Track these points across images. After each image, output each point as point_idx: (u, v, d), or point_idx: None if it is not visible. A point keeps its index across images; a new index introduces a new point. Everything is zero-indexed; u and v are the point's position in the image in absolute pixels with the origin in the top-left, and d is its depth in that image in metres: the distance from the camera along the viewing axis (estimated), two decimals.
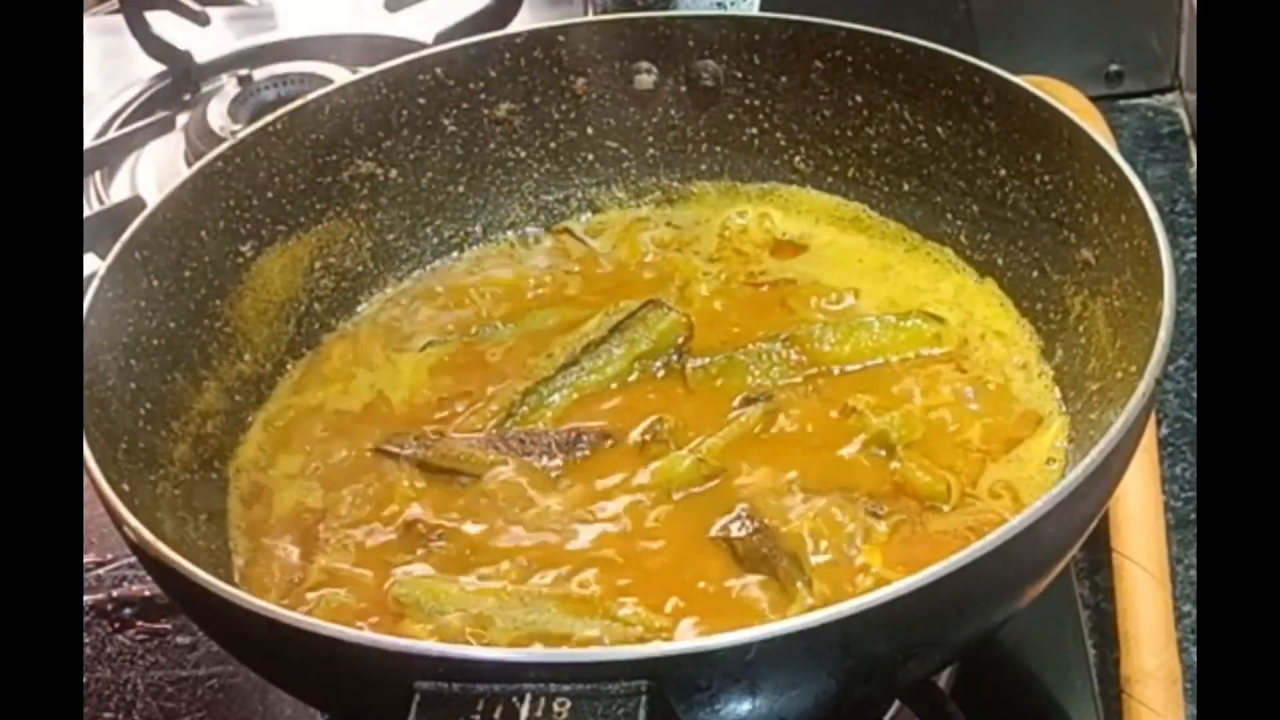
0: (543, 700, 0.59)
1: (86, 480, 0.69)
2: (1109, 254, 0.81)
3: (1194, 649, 0.94)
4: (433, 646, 0.64)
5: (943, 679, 0.80)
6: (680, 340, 0.87)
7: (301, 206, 0.91)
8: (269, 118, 0.90)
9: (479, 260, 0.97)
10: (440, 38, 1.20)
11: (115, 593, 0.91)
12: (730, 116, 0.97)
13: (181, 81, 1.30)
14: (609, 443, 0.82)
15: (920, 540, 0.76)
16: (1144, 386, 0.69)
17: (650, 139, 0.98)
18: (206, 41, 1.32)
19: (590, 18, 1.19)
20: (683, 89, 0.96)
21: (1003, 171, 0.88)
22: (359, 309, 0.94)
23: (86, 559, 0.92)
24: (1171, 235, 0.76)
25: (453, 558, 0.77)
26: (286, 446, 0.85)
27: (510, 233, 0.98)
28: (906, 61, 0.90)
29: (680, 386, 0.85)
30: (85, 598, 0.90)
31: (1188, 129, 1.31)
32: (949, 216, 0.92)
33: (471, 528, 0.78)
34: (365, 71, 0.94)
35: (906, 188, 0.93)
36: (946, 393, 0.84)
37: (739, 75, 0.95)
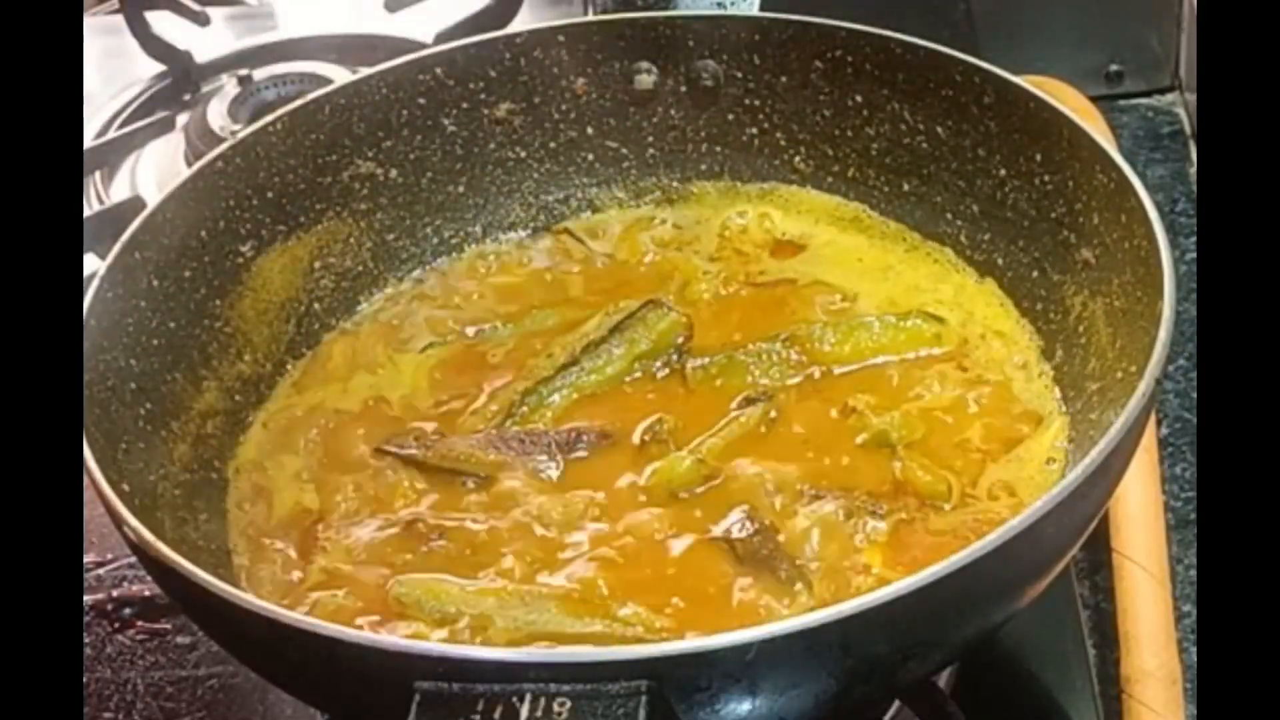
0: (543, 700, 0.59)
1: (86, 480, 0.69)
2: (1109, 254, 0.81)
3: (1194, 649, 0.94)
4: (433, 646, 0.64)
5: (943, 679, 0.80)
6: (680, 340, 0.87)
7: (301, 206, 0.91)
8: (269, 118, 0.90)
9: (479, 260, 0.97)
10: (440, 38, 1.20)
11: (115, 593, 0.91)
12: (730, 116, 0.97)
13: (181, 81, 1.30)
14: (609, 443, 0.82)
15: (920, 540, 0.76)
16: (1144, 386, 0.69)
17: (650, 139, 0.98)
18: (206, 41, 1.32)
19: (590, 18, 1.19)
20: (683, 89, 0.96)
21: (1003, 171, 0.88)
22: (359, 309, 0.94)
23: (86, 559, 0.92)
24: (1171, 235, 0.76)
25: (453, 558, 0.77)
26: (286, 446, 0.85)
27: (510, 233, 0.98)
28: (906, 61, 0.90)
29: (680, 386, 0.85)
30: (85, 598, 0.90)
31: (1188, 129, 1.31)
32: (949, 216, 0.92)
33: (472, 527, 0.78)
34: (365, 71, 0.94)
35: (906, 188, 0.93)
36: (946, 393, 0.84)
37: (739, 75, 0.95)
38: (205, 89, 1.28)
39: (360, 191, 0.94)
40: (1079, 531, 0.70)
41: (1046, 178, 0.85)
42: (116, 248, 0.81)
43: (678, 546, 0.76)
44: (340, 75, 1.19)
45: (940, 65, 0.89)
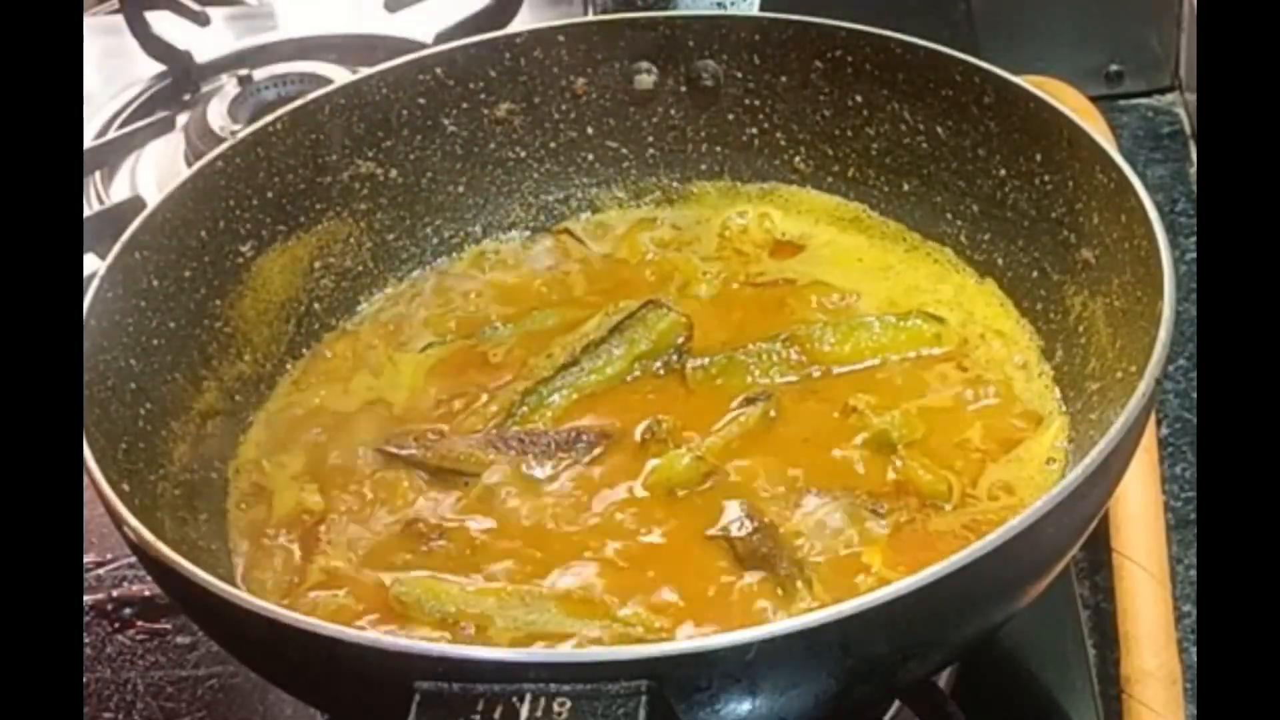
0: (543, 700, 0.59)
1: (86, 480, 0.69)
2: (1109, 254, 0.81)
3: (1194, 649, 0.94)
4: (433, 646, 0.64)
5: (943, 679, 0.80)
6: (680, 340, 0.87)
7: (301, 206, 0.91)
8: (269, 118, 0.90)
9: (479, 260, 0.97)
10: (440, 38, 1.20)
11: (115, 593, 0.91)
12: (730, 116, 0.97)
13: (181, 81, 1.30)
14: (609, 442, 0.82)
15: (920, 540, 0.76)
16: (1144, 386, 0.69)
17: (650, 139, 0.98)
18: (206, 41, 1.32)
19: (590, 18, 1.19)
20: (683, 89, 0.96)
21: (1003, 171, 0.88)
22: (359, 309, 0.94)
23: (86, 559, 0.92)
24: (1171, 235, 0.76)
25: (453, 558, 0.77)
26: (286, 447, 0.85)
27: (510, 233, 0.98)
28: (906, 61, 0.90)
29: (680, 386, 0.85)
30: (85, 598, 0.90)
31: (1188, 129, 1.31)
32: (949, 216, 0.92)
33: (472, 527, 0.78)
34: (365, 71, 0.94)
35: (906, 188, 0.93)
36: (946, 393, 0.84)
37: (739, 75, 0.95)
38: (205, 89, 1.28)
39: (360, 191, 0.94)
40: (1079, 531, 0.70)
41: (1046, 178, 0.85)
42: (116, 248, 0.81)
43: (677, 546, 0.76)
44: (340, 75, 1.19)
45: (940, 65, 0.89)
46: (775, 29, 0.93)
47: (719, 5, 1.14)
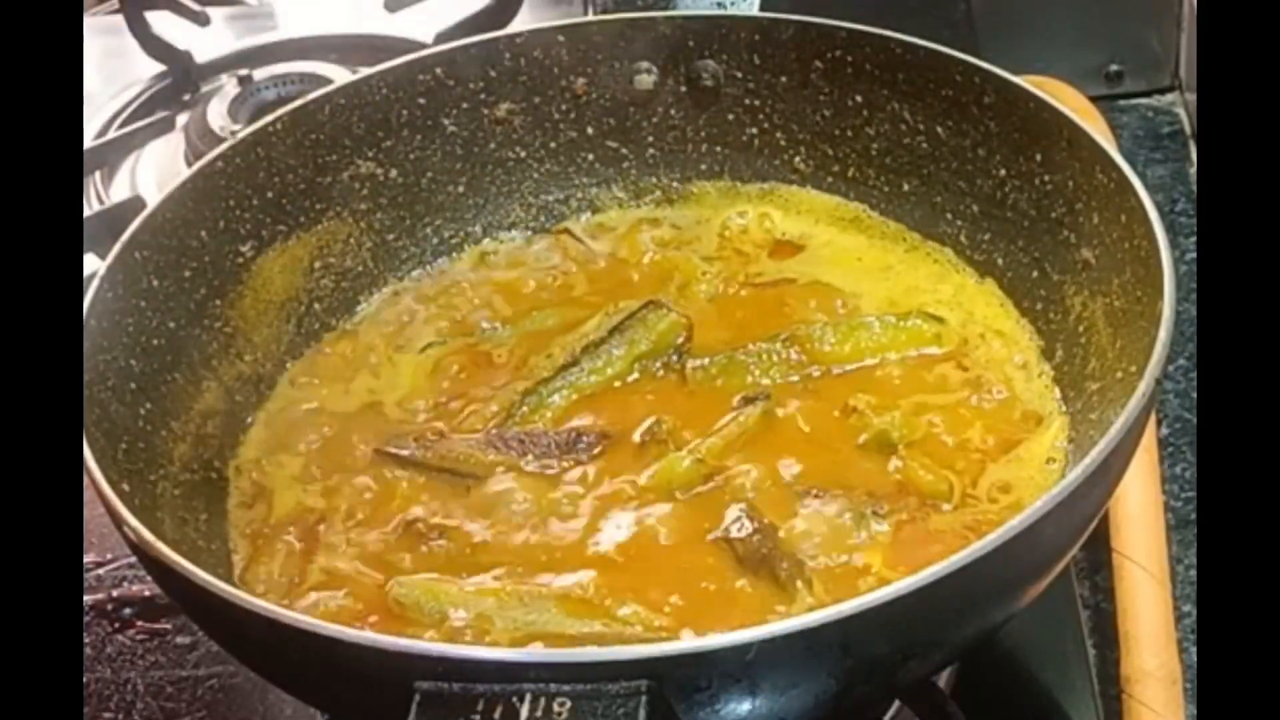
0: (543, 700, 0.59)
1: (86, 480, 0.69)
2: (1109, 254, 0.81)
3: (1194, 649, 0.94)
4: (433, 646, 0.64)
5: (943, 679, 0.80)
6: (680, 340, 0.87)
7: (301, 206, 0.91)
8: (269, 118, 0.90)
9: (479, 260, 0.97)
10: (440, 38, 1.20)
11: (115, 593, 0.91)
12: (730, 116, 0.97)
13: (181, 81, 1.30)
14: (609, 443, 0.82)
15: (920, 540, 0.76)
16: (1144, 386, 0.69)
17: (650, 139, 0.98)
18: (206, 41, 1.32)
19: (590, 18, 1.19)
20: (683, 89, 0.96)
21: (1003, 171, 0.88)
22: (359, 309, 0.94)
23: (86, 559, 0.92)
24: (1171, 235, 0.76)
25: (453, 558, 0.77)
26: (286, 446, 0.85)
27: (510, 233, 0.98)
28: (906, 61, 0.90)
29: (680, 386, 0.85)
30: (85, 598, 0.90)
31: (1188, 129, 1.31)
32: (949, 216, 0.92)
33: (471, 528, 0.78)
34: (365, 71, 0.94)
35: (906, 188, 0.93)
36: (947, 393, 0.84)
37: (739, 75, 0.95)
38: (205, 89, 1.29)
39: (360, 191, 0.94)
40: (1079, 531, 0.70)
41: (1046, 178, 0.85)
42: (116, 248, 0.81)
43: (677, 546, 0.76)
44: (340, 75, 1.19)
45: (940, 65, 0.89)
46: (775, 29, 0.93)
47: (719, 5, 1.14)
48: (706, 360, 0.86)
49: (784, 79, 0.94)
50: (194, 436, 0.83)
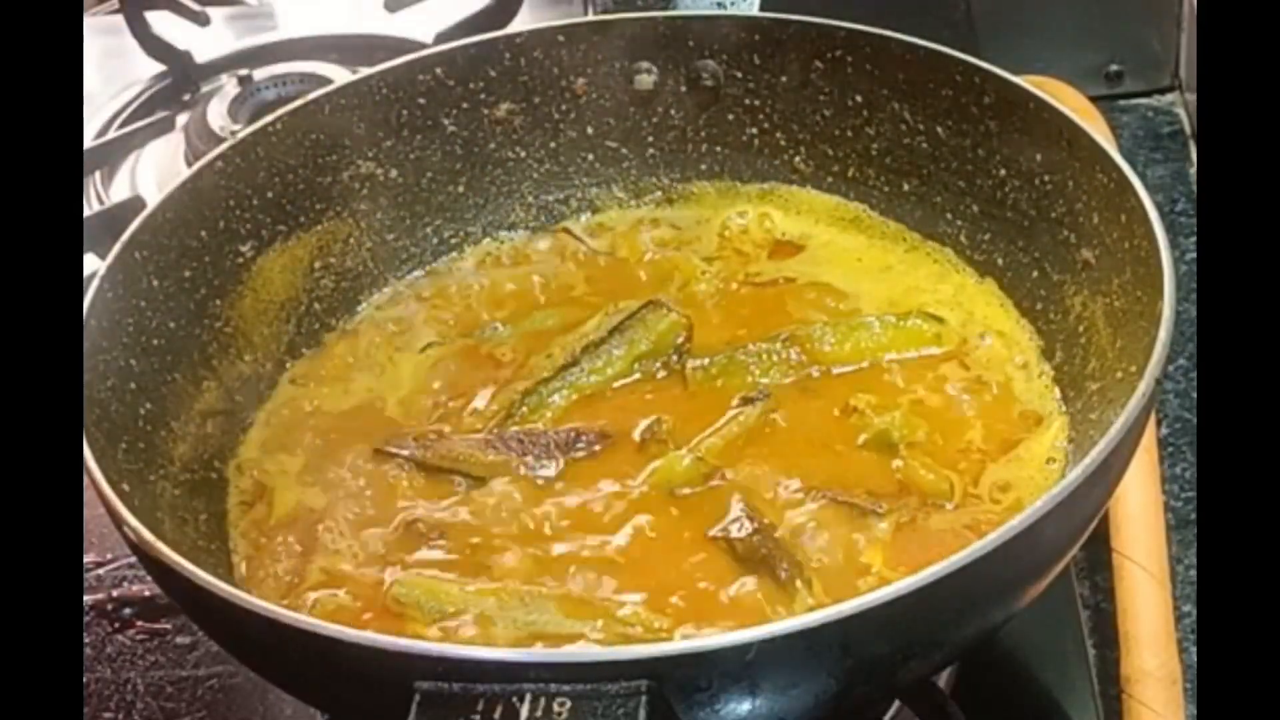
0: (543, 700, 0.59)
1: (86, 480, 0.69)
2: (1109, 254, 0.81)
3: (1194, 649, 0.94)
4: (433, 646, 0.64)
5: (943, 679, 0.80)
6: (680, 340, 0.87)
7: (301, 206, 0.91)
8: (269, 118, 0.90)
9: (479, 260, 0.97)
10: (440, 38, 1.20)
11: (115, 593, 0.91)
12: (730, 116, 0.97)
13: (181, 81, 1.30)
14: (609, 443, 0.82)
15: (920, 540, 0.76)
16: (1144, 386, 0.69)
17: (650, 139, 0.98)
18: (206, 41, 1.32)
19: (590, 18, 1.19)
20: (683, 89, 0.96)
21: (1003, 171, 0.88)
22: (359, 309, 0.94)
23: (86, 559, 0.92)
24: (1171, 235, 0.76)
25: (453, 558, 0.77)
26: (286, 446, 0.85)
27: (510, 233, 0.98)
28: (906, 61, 0.90)
29: (680, 386, 0.85)
30: (85, 598, 0.90)
31: (1188, 129, 1.31)
32: (949, 216, 0.92)
33: (471, 528, 0.78)
34: (365, 71, 0.94)
35: (906, 188, 0.93)
36: (947, 393, 0.84)
37: (739, 75, 0.95)
38: (205, 89, 1.28)
39: (360, 191, 0.94)
40: (1079, 531, 0.70)
41: (1046, 178, 0.85)
42: (116, 248, 0.81)
43: (677, 546, 0.76)
44: (340, 75, 1.19)
45: (940, 65, 0.89)
46: (775, 29, 0.93)
47: (719, 5, 1.14)
48: (706, 360, 0.86)
49: (784, 79, 0.94)
50: (194, 436, 0.83)
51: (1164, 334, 0.71)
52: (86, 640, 0.88)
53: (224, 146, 0.88)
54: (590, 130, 0.97)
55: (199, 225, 0.86)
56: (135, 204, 1.09)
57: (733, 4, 1.14)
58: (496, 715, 0.58)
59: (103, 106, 1.28)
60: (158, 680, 0.87)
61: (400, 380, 0.89)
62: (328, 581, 0.77)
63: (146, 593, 0.90)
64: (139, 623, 0.90)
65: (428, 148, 0.95)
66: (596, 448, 0.82)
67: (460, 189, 0.97)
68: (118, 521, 0.69)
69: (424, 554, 0.77)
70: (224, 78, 1.28)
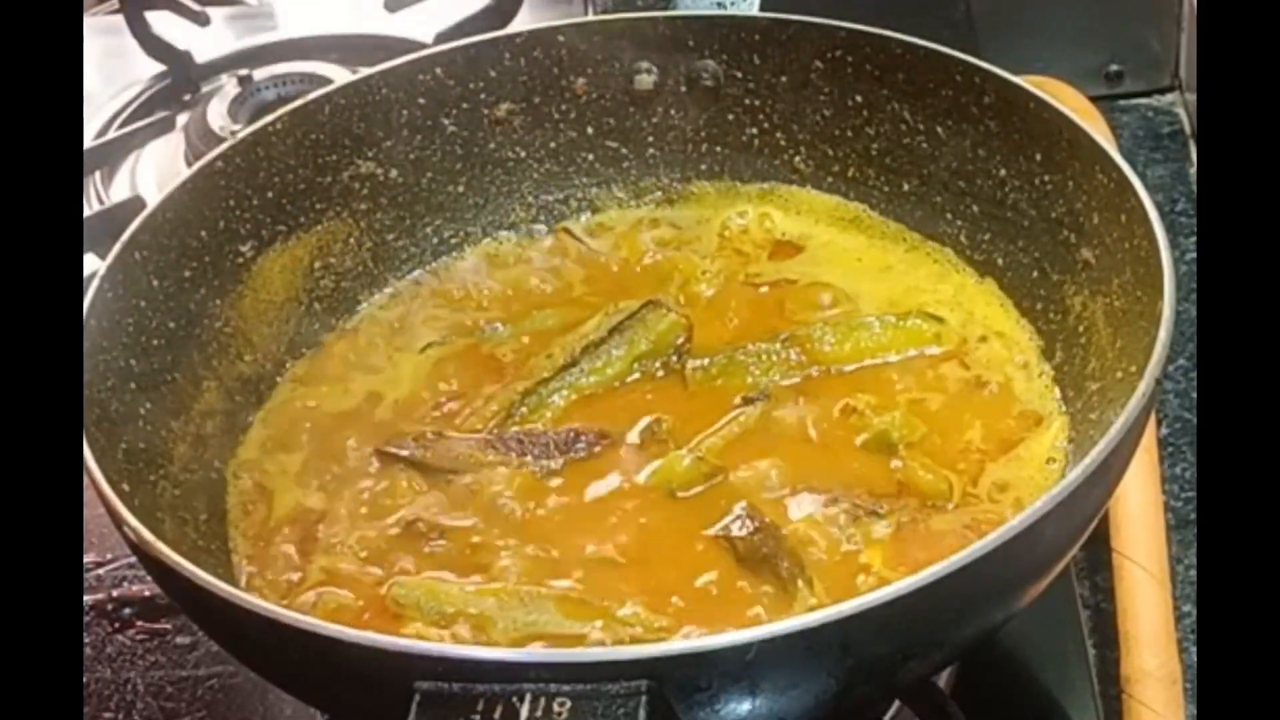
0: (543, 700, 0.59)
1: (86, 480, 0.69)
2: (1109, 254, 0.81)
3: (1194, 649, 0.94)
4: (433, 646, 0.64)
5: (943, 679, 0.80)
6: (680, 340, 0.87)
7: (301, 206, 0.91)
8: (269, 118, 0.90)
9: (479, 260, 0.97)
10: (440, 38, 1.20)
11: (115, 593, 0.91)
12: (730, 116, 0.97)
13: (181, 81, 1.30)
14: (608, 443, 0.82)
15: (921, 540, 0.76)
16: (1144, 386, 0.69)
17: (650, 139, 0.98)
18: (206, 41, 1.32)
19: (590, 18, 1.19)
20: (683, 89, 0.96)
21: (1003, 171, 0.88)
22: (359, 309, 0.94)
23: (86, 559, 0.92)
24: (1171, 235, 0.76)
25: (453, 558, 0.77)
26: (286, 446, 0.85)
27: (510, 233, 0.98)
28: (906, 61, 0.90)
29: (680, 386, 0.85)
30: (85, 598, 0.90)
31: (1188, 129, 1.31)
32: (949, 216, 0.92)
33: (471, 528, 0.78)
34: (365, 71, 0.94)
35: (906, 188, 0.93)
36: (946, 393, 0.84)
37: (739, 75, 0.95)
38: (205, 89, 1.28)
39: (360, 191, 0.94)
40: (1079, 531, 0.70)
41: (1046, 178, 0.85)
42: (116, 248, 0.81)
43: (678, 546, 0.76)
44: (340, 75, 1.19)
45: (940, 65, 0.89)
46: (775, 29, 0.93)
47: (719, 5, 1.14)
48: (706, 360, 0.86)
49: (784, 79, 0.94)
50: (194, 436, 0.83)
51: (1164, 334, 0.71)
52: (86, 640, 0.88)
53: (224, 146, 0.88)
54: (590, 130, 0.97)
55: (199, 225, 0.86)
56: (135, 204, 1.09)
57: (733, 4, 1.14)
58: (496, 715, 0.58)
59: (103, 106, 1.28)
60: (158, 680, 0.87)
61: (400, 380, 0.89)
62: (328, 581, 0.77)
63: (146, 593, 0.90)
64: (139, 623, 0.89)
65: (428, 148, 0.95)
66: (596, 448, 0.82)
67: (460, 189, 0.97)
68: (118, 521, 0.69)
69: (424, 554, 0.77)
70: (224, 78, 1.28)
